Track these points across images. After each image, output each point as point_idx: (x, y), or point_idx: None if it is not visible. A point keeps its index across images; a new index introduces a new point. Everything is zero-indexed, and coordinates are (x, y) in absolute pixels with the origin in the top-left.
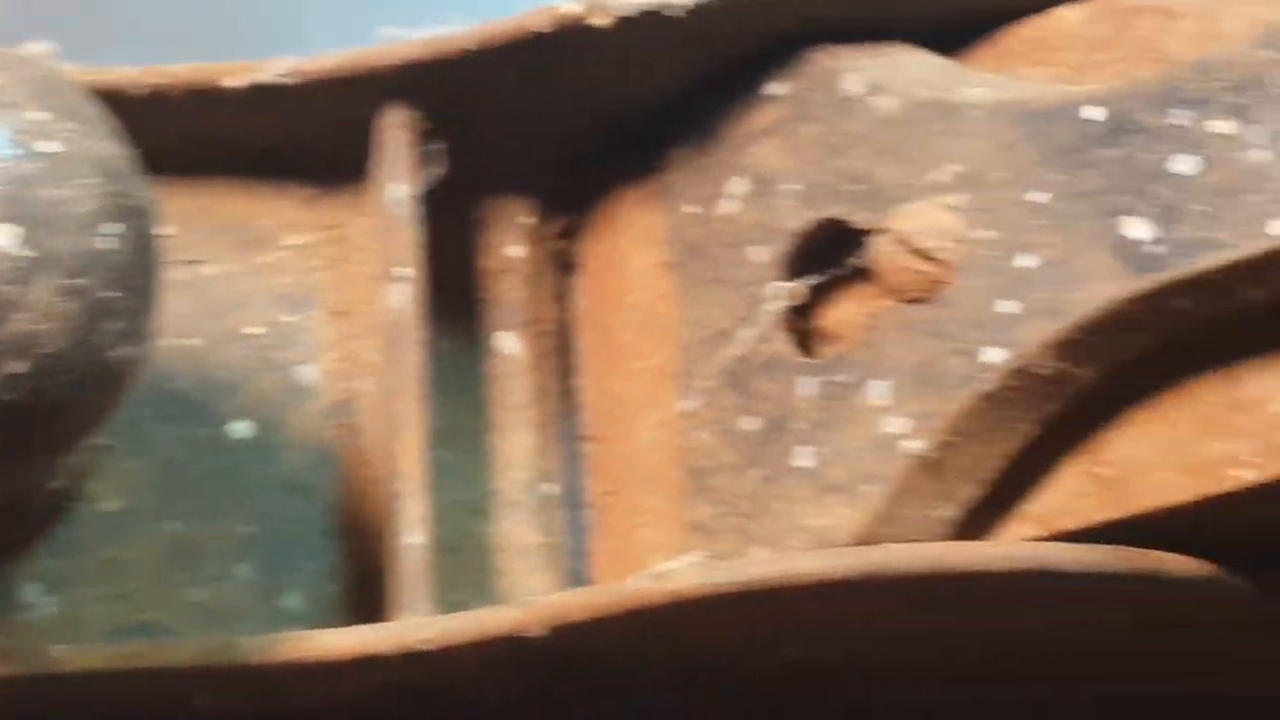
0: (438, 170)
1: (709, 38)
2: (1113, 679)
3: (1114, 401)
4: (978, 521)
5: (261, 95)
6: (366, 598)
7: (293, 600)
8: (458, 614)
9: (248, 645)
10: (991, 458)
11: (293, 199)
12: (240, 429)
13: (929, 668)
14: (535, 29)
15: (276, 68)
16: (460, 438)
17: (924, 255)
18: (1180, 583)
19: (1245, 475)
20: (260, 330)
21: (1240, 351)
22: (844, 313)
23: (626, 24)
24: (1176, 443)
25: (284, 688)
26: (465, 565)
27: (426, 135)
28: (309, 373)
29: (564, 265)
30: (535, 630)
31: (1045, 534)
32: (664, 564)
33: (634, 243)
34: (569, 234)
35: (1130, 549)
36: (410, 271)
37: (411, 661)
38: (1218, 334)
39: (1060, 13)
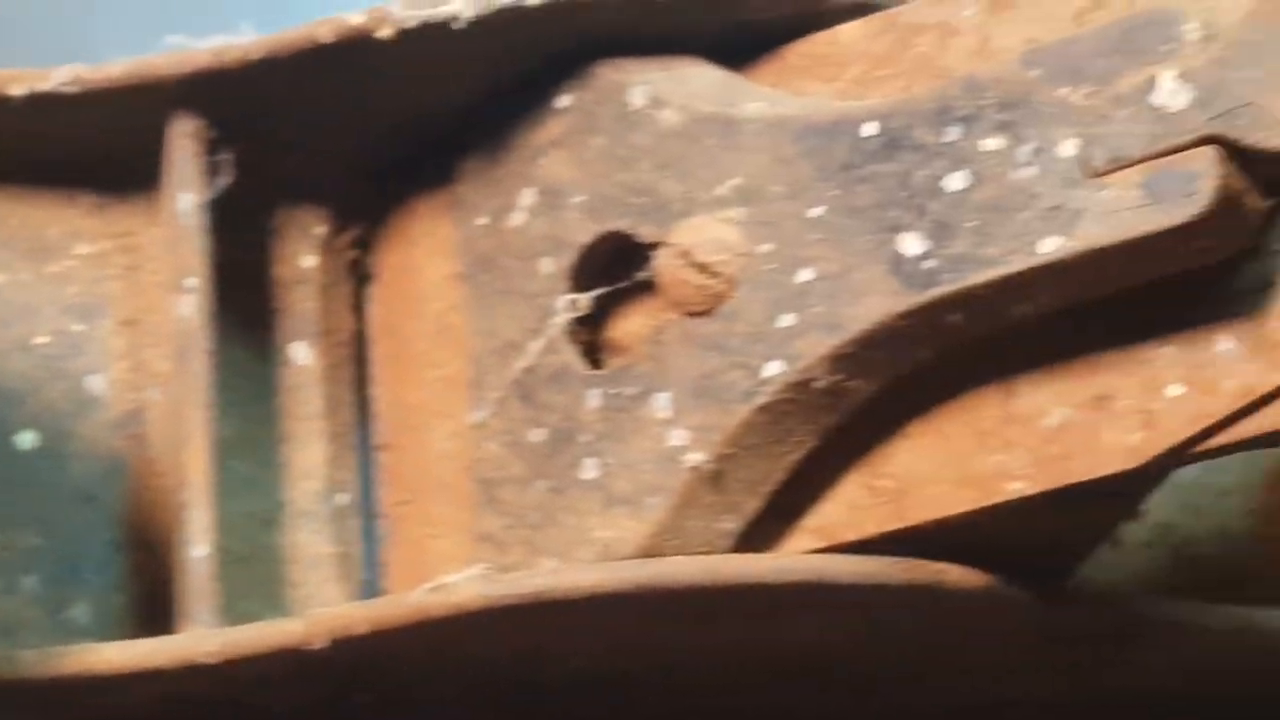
0: (225, 180)
1: (494, 50)
2: (901, 688)
3: (892, 415)
4: (761, 533)
5: (45, 103)
6: (154, 610)
7: (79, 612)
8: (240, 627)
9: (29, 659)
10: (772, 470)
11: (82, 207)
12: (27, 439)
13: (725, 678)
14: (320, 40)
15: (60, 76)
16: (253, 448)
17: (705, 269)
18: (959, 593)
19: (1018, 487)
20: (48, 339)
21: (1014, 366)
22: (631, 325)
23: (410, 36)
24: (953, 455)
25: (67, 702)
26: (258, 576)
27: (215, 145)
28: (98, 383)
29: (358, 275)
30: (318, 643)
31: (827, 545)
32: (450, 575)
33: (428, 253)
34: (363, 244)
35: (909, 560)
36: (197, 281)
37: (194, 674)
38: (992, 348)
39: (843, 29)
